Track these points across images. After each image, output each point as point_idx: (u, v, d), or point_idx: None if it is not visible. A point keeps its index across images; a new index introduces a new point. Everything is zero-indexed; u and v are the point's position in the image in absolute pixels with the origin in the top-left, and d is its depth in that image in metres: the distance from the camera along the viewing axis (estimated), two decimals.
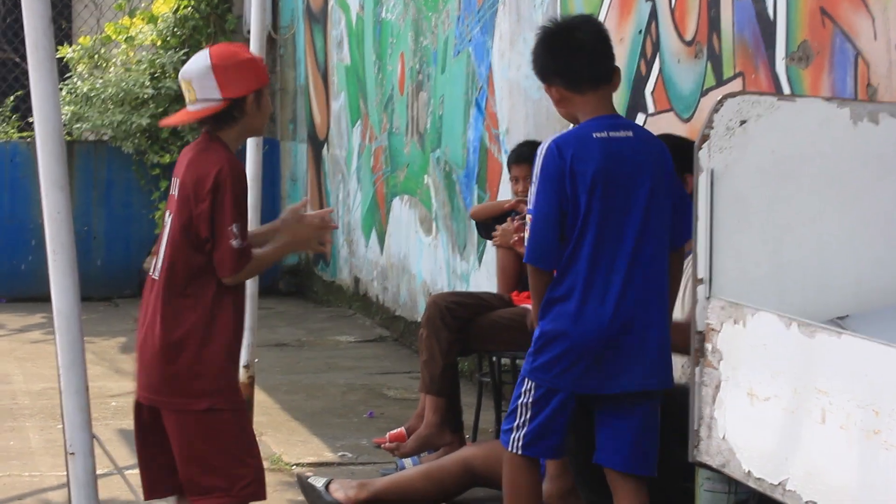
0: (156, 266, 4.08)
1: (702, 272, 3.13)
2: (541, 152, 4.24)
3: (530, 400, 4.24)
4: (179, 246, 4.02)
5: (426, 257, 9.12)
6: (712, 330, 3.08)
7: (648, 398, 4.13)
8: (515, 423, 4.29)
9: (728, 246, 3.10)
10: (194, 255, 4.01)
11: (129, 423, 6.78)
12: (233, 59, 4.07)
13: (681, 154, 4.70)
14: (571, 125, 4.39)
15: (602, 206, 4.09)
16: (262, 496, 4.14)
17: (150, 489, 4.27)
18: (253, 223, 6.85)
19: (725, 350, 3.05)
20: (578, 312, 4.11)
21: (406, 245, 9.54)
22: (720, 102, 3.16)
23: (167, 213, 4.14)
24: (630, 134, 4.21)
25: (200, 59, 4.07)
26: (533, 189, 4.26)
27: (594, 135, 4.15)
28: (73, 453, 4.06)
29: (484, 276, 8.00)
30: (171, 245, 4.04)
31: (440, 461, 5.70)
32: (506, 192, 7.55)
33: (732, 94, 3.20)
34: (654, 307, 4.08)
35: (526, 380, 4.27)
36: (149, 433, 4.19)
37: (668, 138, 4.95)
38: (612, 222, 4.10)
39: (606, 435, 4.20)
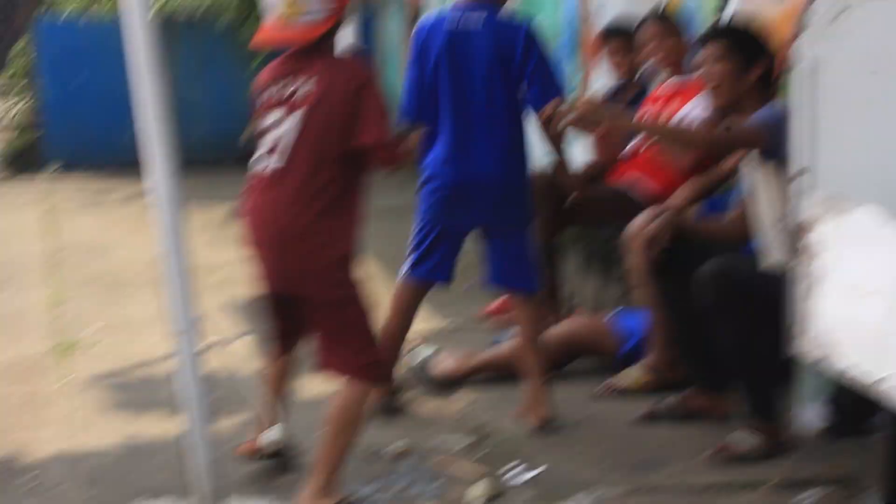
0: (275, 162, 4.16)
1: (802, 163, 3.07)
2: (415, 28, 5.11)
3: (414, 232, 5.14)
4: (316, 146, 4.11)
5: None
6: (813, 223, 3.02)
7: (513, 230, 5.08)
8: (407, 254, 5.18)
9: (830, 137, 3.02)
10: (332, 153, 4.11)
11: (236, 293, 6.95)
12: None
13: (744, 44, 4.80)
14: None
15: (449, 77, 4.96)
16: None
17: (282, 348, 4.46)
18: None
19: (826, 243, 3.00)
20: (443, 162, 4.99)
21: None
22: None
23: (283, 112, 4.18)
24: (483, 16, 4.96)
25: None
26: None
27: (448, 18, 4.99)
28: (177, 332, 4.11)
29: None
30: (306, 144, 4.12)
31: (546, 333, 5.73)
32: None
33: None
34: (501, 161, 4.96)
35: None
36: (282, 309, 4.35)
37: (730, 31, 4.94)
38: (461, 91, 4.96)
39: (488, 259, 5.17)
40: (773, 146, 4.47)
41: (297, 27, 4.12)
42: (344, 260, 4.15)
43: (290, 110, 4.16)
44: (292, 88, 4.17)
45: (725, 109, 4.87)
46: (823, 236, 3.02)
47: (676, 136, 4.86)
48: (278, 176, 4.14)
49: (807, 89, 3.07)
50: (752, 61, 4.80)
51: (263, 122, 4.25)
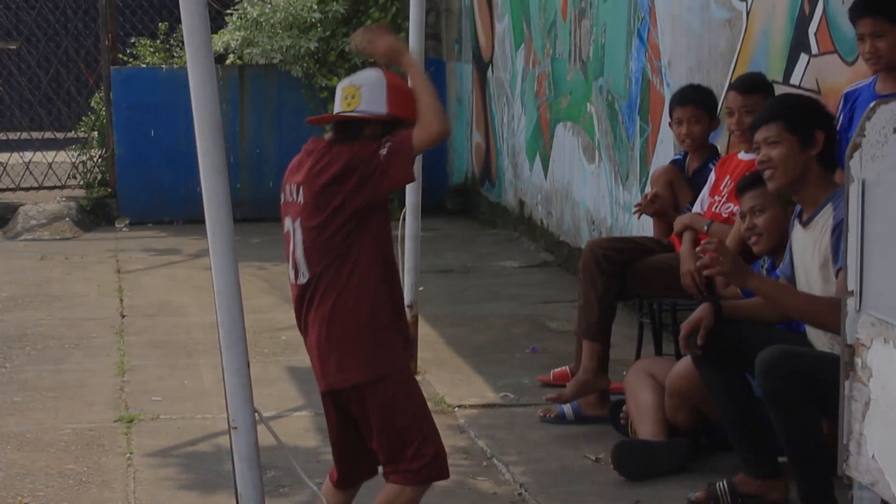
0: (300, 274, 4.08)
1: (852, 285, 3.02)
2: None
3: None
4: (324, 248, 4.01)
5: (589, 185, 9.03)
6: (862, 345, 2.98)
7: None
8: None
9: (880, 259, 2.97)
10: (340, 251, 4.00)
11: (298, 359, 6.96)
12: (405, 85, 4.08)
13: (801, 120, 4.69)
14: None
15: None
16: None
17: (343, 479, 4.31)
18: None
19: (875, 368, 2.94)
20: None
21: (570, 172, 9.45)
22: (872, 109, 3.02)
23: (290, 221, 4.10)
24: None
25: (374, 73, 4.07)
26: None
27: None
28: (235, 428, 4.10)
29: None
30: (315, 249, 4.03)
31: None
32: (667, 129, 7.42)
33: (885, 101, 3.06)
34: None
35: None
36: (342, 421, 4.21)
37: (786, 99, 4.86)
38: None
39: None
40: None
41: (338, 115, 4.07)
42: (385, 352, 4.05)
43: (292, 218, 4.09)
44: (296, 195, 4.09)
45: (784, 190, 4.78)
46: (872, 360, 2.97)
47: (815, 315, 4.57)
48: (301, 289, 4.09)
49: (855, 211, 3.02)
50: (811, 136, 4.70)
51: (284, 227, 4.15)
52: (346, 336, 4.03)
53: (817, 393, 4.41)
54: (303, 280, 4.08)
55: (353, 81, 4.09)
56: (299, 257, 4.08)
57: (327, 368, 4.09)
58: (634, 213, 6.63)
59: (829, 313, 4.34)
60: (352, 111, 4.05)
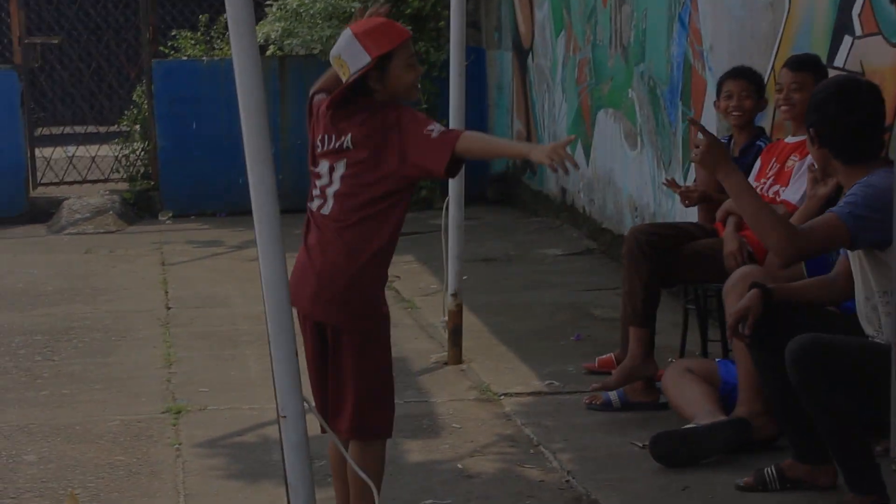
0: (324, 205, 4.37)
1: None
2: None
3: None
4: (360, 193, 4.28)
5: (631, 171, 9.00)
6: None
7: None
8: None
9: None
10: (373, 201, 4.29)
11: None
12: (370, 24, 4.29)
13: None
14: None
15: None
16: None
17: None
18: (457, 125, 6.83)
19: None
20: None
21: (611, 158, 9.44)
22: None
23: (325, 164, 4.36)
24: None
25: (343, 35, 4.32)
26: None
27: None
28: (284, 416, 4.12)
29: None
30: (350, 191, 4.30)
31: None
32: (710, 110, 7.39)
33: None
34: None
35: None
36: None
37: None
38: None
39: None
40: (859, 238, 4.42)
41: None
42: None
43: (330, 163, 4.36)
44: (337, 142, 4.33)
45: None
46: None
47: (758, 224, 4.56)
48: (321, 218, 4.38)
49: None
50: None
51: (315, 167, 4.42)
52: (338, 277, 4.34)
53: (849, 380, 4.39)
54: (325, 212, 4.38)
55: (333, 54, 4.31)
56: (330, 195, 4.36)
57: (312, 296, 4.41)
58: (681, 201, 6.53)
59: (769, 225, 4.46)
60: (348, 78, 4.27)
